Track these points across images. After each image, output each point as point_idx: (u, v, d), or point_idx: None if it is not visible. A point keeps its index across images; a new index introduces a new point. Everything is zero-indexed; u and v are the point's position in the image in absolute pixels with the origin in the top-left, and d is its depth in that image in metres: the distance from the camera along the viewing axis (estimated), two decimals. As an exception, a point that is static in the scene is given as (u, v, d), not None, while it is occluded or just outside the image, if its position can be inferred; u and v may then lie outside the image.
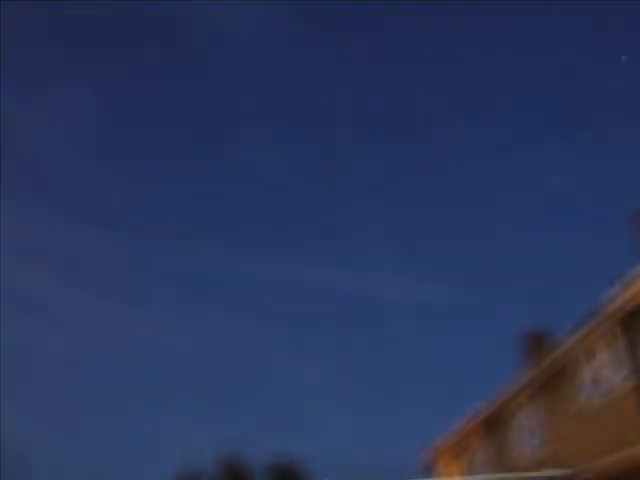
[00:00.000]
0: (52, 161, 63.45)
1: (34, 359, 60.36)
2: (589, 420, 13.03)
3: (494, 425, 17.68)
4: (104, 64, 57.66)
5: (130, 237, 67.65)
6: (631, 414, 11.75)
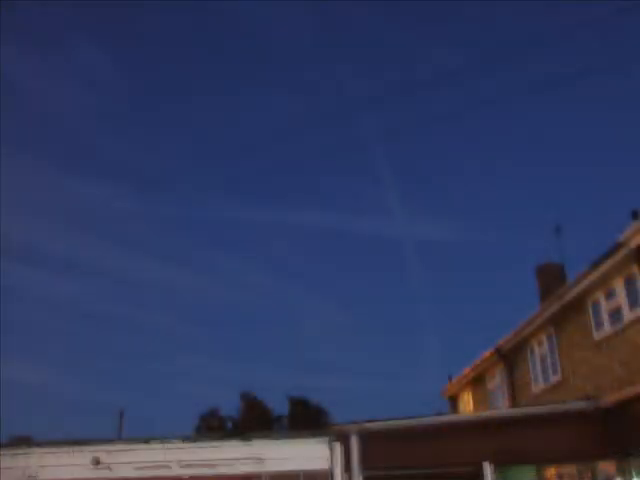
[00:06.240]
0: (63, 117, 63.27)
1: (19, 298, 62.26)
2: (606, 353, 13.08)
3: (512, 358, 17.83)
4: (121, 31, 56.78)
5: (131, 188, 68.00)
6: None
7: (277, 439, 13.33)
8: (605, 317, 13.24)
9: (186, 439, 13.50)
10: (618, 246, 12.13)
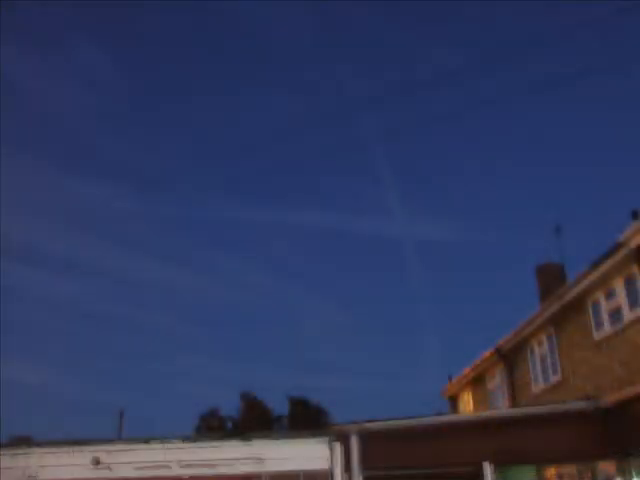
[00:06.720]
0: (63, 117, 63.30)
1: (19, 298, 62.32)
2: (606, 353, 13.07)
3: (512, 358, 17.83)
4: (121, 31, 56.81)
5: (131, 188, 68.08)
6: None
7: (277, 439, 13.32)
8: (605, 317, 13.24)
9: (186, 439, 13.49)
10: (618, 246, 12.12)
